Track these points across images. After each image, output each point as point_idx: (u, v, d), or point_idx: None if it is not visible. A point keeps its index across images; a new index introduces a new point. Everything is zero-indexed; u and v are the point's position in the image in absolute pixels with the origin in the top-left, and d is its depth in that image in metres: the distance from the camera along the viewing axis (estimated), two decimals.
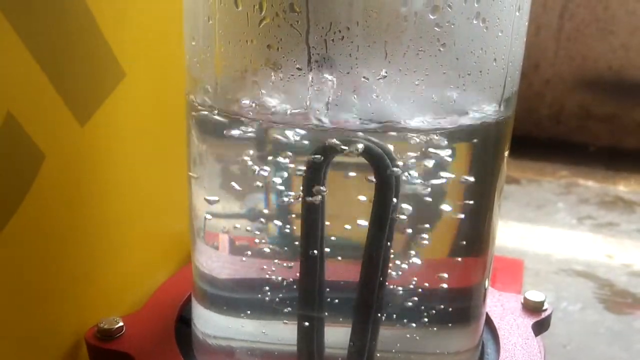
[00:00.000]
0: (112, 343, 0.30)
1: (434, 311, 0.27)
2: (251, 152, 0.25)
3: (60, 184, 0.28)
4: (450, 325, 0.28)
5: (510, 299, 0.35)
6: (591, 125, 1.07)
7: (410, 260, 0.26)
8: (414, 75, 0.22)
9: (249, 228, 0.27)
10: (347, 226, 0.26)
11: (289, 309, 0.27)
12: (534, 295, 0.34)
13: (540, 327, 0.34)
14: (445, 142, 0.24)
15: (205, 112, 0.26)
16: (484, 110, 0.25)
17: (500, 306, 0.34)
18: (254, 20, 0.22)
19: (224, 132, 0.26)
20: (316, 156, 0.24)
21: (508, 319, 0.33)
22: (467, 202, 0.26)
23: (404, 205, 0.25)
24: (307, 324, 0.26)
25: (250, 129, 0.25)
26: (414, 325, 0.27)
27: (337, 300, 0.26)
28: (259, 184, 0.26)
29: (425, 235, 0.26)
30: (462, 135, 0.25)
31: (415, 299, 0.27)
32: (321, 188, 0.24)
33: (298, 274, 0.26)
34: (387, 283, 0.26)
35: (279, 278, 0.27)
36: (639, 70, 1.03)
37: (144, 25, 0.32)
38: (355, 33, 0.22)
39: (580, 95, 1.07)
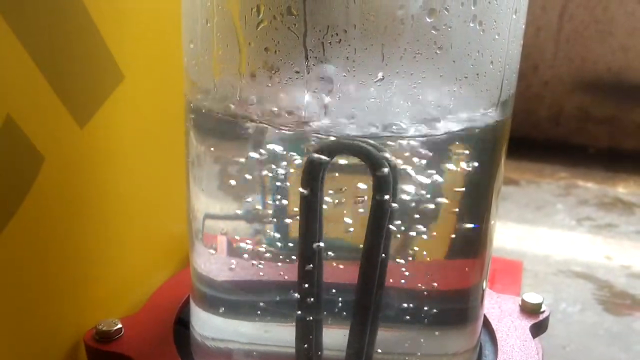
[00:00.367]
0: (110, 345, 0.30)
1: (431, 312, 0.27)
2: (249, 154, 0.26)
3: (60, 186, 0.28)
4: (448, 326, 0.29)
5: (508, 301, 0.35)
6: (590, 127, 1.07)
7: (408, 262, 0.26)
8: (410, 78, 0.23)
9: (247, 230, 0.27)
10: (345, 228, 0.26)
11: (287, 310, 0.27)
12: (532, 297, 0.34)
13: (538, 329, 0.34)
14: (442, 145, 0.24)
15: (204, 114, 0.26)
16: (481, 112, 0.25)
17: (498, 308, 0.34)
18: (252, 23, 0.23)
19: (222, 134, 0.26)
20: (314, 157, 0.24)
21: (506, 321, 0.33)
22: (464, 203, 0.27)
23: (402, 207, 0.25)
24: (305, 325, 0.26)
25: (248, 131, 0.25)
26: (411, 326, 0.27)
27: (335, 302, 0.26)
28: (257, 185, 0.26)
29: (423, 237, 0.26)
30: (459, 138, 0.25)
31: (413, 300, 0.27)
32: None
33: (296, 276, 0.26)
34: (385, 285, 0.26)
35: (277, 280, 0.27)
36: (638, 71, 1.03)
37: (142, 28, 0.33)
38: (352, 36, 0.22)
39: (579, 97, 1.07)
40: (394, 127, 0.24)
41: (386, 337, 0.27)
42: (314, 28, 0.22)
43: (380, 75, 0.22)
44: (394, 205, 0.24)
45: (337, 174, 0.25)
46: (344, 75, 0.22)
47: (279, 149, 0.25)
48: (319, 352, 0.26)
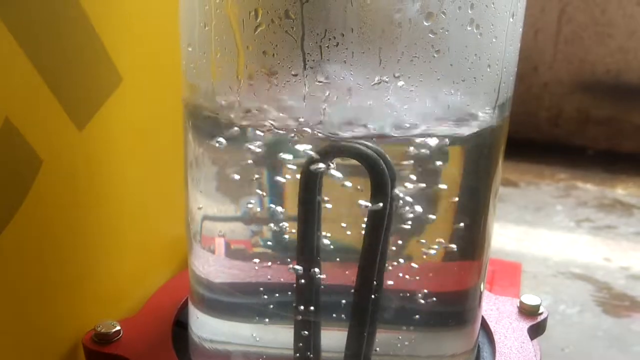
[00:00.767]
0: (109, 347, 0.30)
1: (429, 314, 0.27)
2: (247, 156, 0.26)
3: (58, 188, 0.28)
4: (446, 328, 0.29)
5: (506, 303, 0.35)
6: (589, 128, 1.07)
7: (406, 264, 0.26)
8: (408, 81, 0.23)
9: (245, 232, 0.27)
10: (343, 230, 0.26)
11: (285, 312, 0.27)
12: (530, 299, 0.34)
13: (536, 331, 0.34)
14: (440, 148, 0.24)
15: (202, 117, 0.26)
16: (478, 116, 0.25)
17: (496, 310, 0.34)
18: (250, 26, 0.23)
19: (220, 137, 0.26)
20: (313, 159, 0.24)
21: (504, 323, 0.33)
22: (462, 206, 0.27)
23: (399, 209, 0.25)
24: (303, 328, 0.26)
25: (246, 134, 0.25)
26: (409, 328, 0.27)
27: (333, 304, 0.26)
28: (255, 188, 0.26)
29: (421, 239, 0.26)
30: (457, 141, 0.25)
31: (411, 302, 0.27)
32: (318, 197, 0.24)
33: (294, 278, 0.26)
34: (383, 287, 0.26)
35: (275, 282, 0.27)
36: (637, 73, 1.03)
37: (140, 30, 0.33)
38: (349, 39, 0.22)
39: (578, 99, 1.07)
40: (391, 129, 0.24)
41: (384, 339, 0.27)
42: (312, 32, 0.22)
43: (377, 78, 0.22)
44: (392, 207, 0.24)
45: (335, 176, 0.25)
46: (342, 79, 0.22)
47: (277, 151, 0.25)
48: (317, 354, 0.27)
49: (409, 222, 0.25)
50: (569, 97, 1.07)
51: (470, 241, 0.28)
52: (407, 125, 0.24)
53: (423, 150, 0.24)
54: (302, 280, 0.25)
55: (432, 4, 0.22)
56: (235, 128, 0.25)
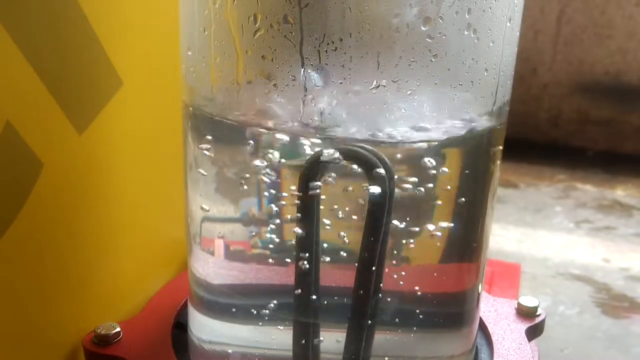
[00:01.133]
0: (109, 348, 0.30)
1: (427, 316, 0.27)
2: (246, 158, 0.26)
3: (59, 191, 0.28)
4: (444, 329, 0.29)
5: (504, 304, 0.35)
6: (589, 130, 1.08)
7: (404, 265, 0.27)
8: (406, 86, 0.23)
9: (244, 234, 0.27)
10: (342, 232, 0.26)
11: (284, 314, 0.27)
12: (528, 301, 0.35)
13: (534, 332, 0.34)
14: (438, 151, 0.25)
15: (201, 120, 0.27)
16: (476, 119, 0.25)
17: (495, 311, 0.35)
18: (249, 31, 0.23)
19: (220, 139, 0.26)
20: (312, 162, 0.24)
21: (502, 324, 0.33)
22: (460, 208, 0.27)
23: (398, 211, 0.25)
24: (302, 329, 0.26)
25: (245, 137, 0.25)
26: (408, 329, 0.27)
27: (332, 306, 0.27)
28: (254, 190, 0.26)
29: (419, 241, 0.26)
30: (454, 144, 0.25)
31: (409, 303, 0.27)
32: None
33: (293, 280, 0.26)
34: (381, 288, 0.26)
35: (274, 283, 0.27)
36: (637, 74, 1.03)
37: (141, 34, 0.33)
38: (348, 44, 0.22)
39: (578, 100, 1.07)
40: (389, 133, 0.24)
41: (383, 340, 0.27)
42: (310, 36, 0.22)
43: (375, 82, 0.23)
44: (390, 210, 0.25)
45: (334, 179, 0.25)
46: (340, 83, 0.23)
47: (275, 154, 0.25)
48: (316, 356, 0.27)
49: (407, 224, 0.25)
50: (568, 98, 1.08)
51: (468, 243, 0.28)
52: (405, 128, 0.24)
53: (421, 153, 0.24)
54: (301, 282, 0.26)
55: (429, 9, 0.22)
56: (234, 131, 0.25)
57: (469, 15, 0.23)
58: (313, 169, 0.24)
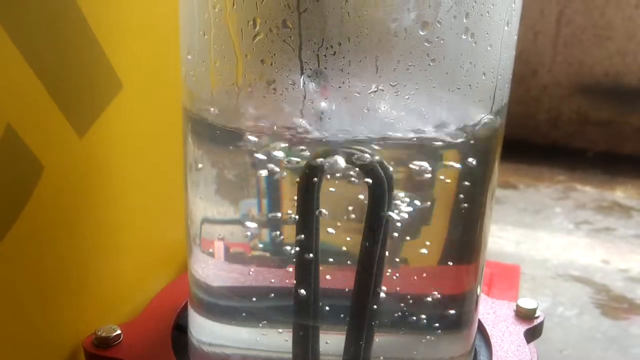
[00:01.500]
0: (109, 350, 0.30)
1: (426, 318, 0.28)
2: (246, 162, 0.26)
3: (59, 194, 0.28)
4: (443, 331, 0.29)
5: (503, 306, 0.35)
6: (588, 131, 1.08)
7: (403, 268, 0.27)
8: (404, 89, 0.23)
9: (244, 236, 0.27)
10: (341, 234, 0.26)
11: (284, 316, 0.27)
12: (527, 303, 0.35)
13: (533, 334, 0.34)
14: (436, 153, 0.25)
15: (201, 123, 0.27)
16: (474, 122, 0.25)
17: (493, 313, 0.35)
18: (248, 35, 0.23)
19: (219, 142, 0.26)
20: (310, 165, 0.24)
21: (500, 326, 0.34)
22: (458, 210, 0.27)
23: (396, 214, 0.25)
24: (302, 331, 0.26)
25: (244, 140, 0.25)
26: (407, 332, 0.28)
27: (331, 308, 0.27)
28: (253, 192, 0.26)
29: (417, 243, 0.26)
30: (453, 147, 0.25)
31: (408, 305, 0.27)
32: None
33: (292, 282, 0.26)
34: (380, 291, 0.26)
35: (274, 285, 0.27)
36: (636, 76, 1.03)
37: (141, 37, 0.33)
38: (346, 48, 0.22)
39: (577, 101, 1.07)
40: (388, 136, 0.24)
41: (382, 343, 0.27)
42: (309, 41, 0.22)
43: (374, 86, 0.23)
44: (389, 212, 0.25)
45: (333, 181, 0.25)
46: (339, 87, 0.23)
47: (275, 157, 0.25)
48: (316, 358, 0.27)
49: (406, 227, 0.26)
50: (568, 100, 1.08)
51: (467, 245, 0.28)
52: (404, 132, 0.24)
53: (419, 156, 0.25)
54: (300, 284, 0.26)
55: (427, 13, 0.22)
56: (234, 134, 0.25)
57: (467, 20, 0.23)
58: (312, 172, 0.24)
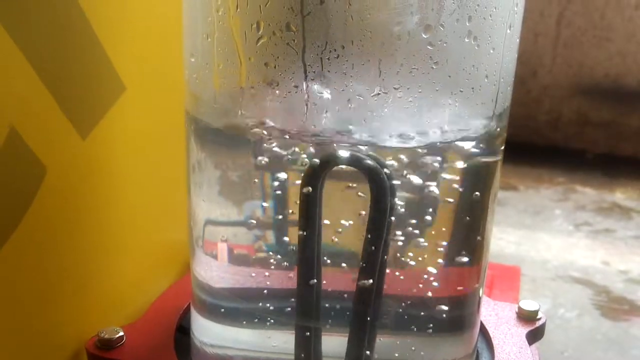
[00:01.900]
0: (112, 352, 0.30)
1: (429, 319, 0.28)
2: (249, 164, 0.26)
3: (62, 196, 0.29)
4: (445, 333, 0.29)
5: (504, 308, 0.35)
6: (589, 132, 1.08)
7: (406, 269, 0.27)
8: (407, 92, 0.23)
9: (247, 237, 0.28)
10: (344, 236, 0.26)
11: (287, 318, 0.27)
12: (529, 305, 0.35)
13: (535, 336, 0.34)
14: (439, 157, 0.25)
15: (204, 126, 0.27)
16: (477, 125, 0.25)
17: (495, 315, 0.35)
18: (252, 38, 0.23)
19: (222, 144, 0.26)
20: (314, 167, 0.24)
21: (503, 328, 0.34)
22: (461, 213, 0.27)
23: (399, 216, 0.25)
24: (304, 333, 0.26)
25: (247, 143, 0.25)
26: (409, 333, 0.28)
27: (334, 310, 0.27)
28: (256, 194, 0.26)
29: (420, 245, 0.26)
30: (455, 149, 0.25)
31: (411, 307, 0.27)
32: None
33: (295, 283, 0.26)
34: (383, 292, 0.26)
35: (277, 287, 0.27)
36: (636, 77, 1.03)
37: (144, 40, 0.33)
38: (350, 52, 0.22)
39: (577, 102, 1.07)
40: (391, 139, 0.24)
41: (384, 344, 0.27)
42: (313, 44, 0.22)
43: (377, 89, 0.23)
44: (391, 215, 0.25)
45: (335, 184, 0.25)
46: (342, 90, 0.23)
47: (278, 160, 0.25)
48: (318, 359, 0.27)
49: (409, 229, 0.26)
50: (568, 101, 1.08)
51: (470, 247, 0.28)
52: (407, 134, 0.24)
53: (422, 159, 0.25)
54: (303, 286, 0.26)
55: (430, 16, 0.22)
56: (237, 136, 0.25)
57: (470, 23, 0.23)
58: (314, 174, 0.24)
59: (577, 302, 0.62)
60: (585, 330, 0.57)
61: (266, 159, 0.25)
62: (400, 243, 0.26)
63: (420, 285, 0.27)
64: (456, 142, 0.25)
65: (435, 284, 0.27)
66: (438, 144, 0.25)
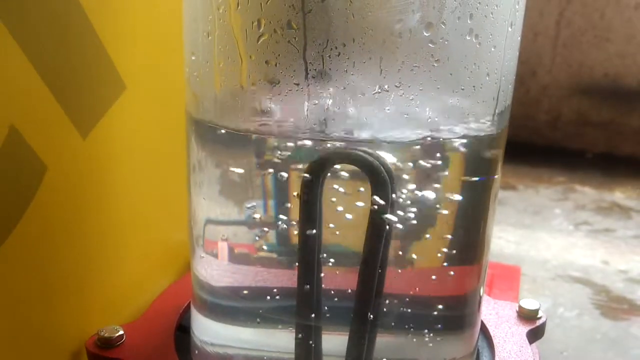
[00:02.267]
0: (112, 351, 0.30)
1: (429, 319, 0.28)
2: (249, 163, 0.26)
3: (62, 194, 0.29)
4: (446, 332, 0.29)
5: (505, 307, 0.35)
6: (588, 132, 1.08)
7: (406, 269, 0.27)
8: (408, 90, 0.23)
9: (247, 236, 0.28)
10: (344, 235, 0.26)
11: (287, 317, 0.27)
12: (529, 304, 0.35)
13: (535, 335, 0.34)
14: (440, 154, 0.25)
15: (205, 125, 0.27)
16: (478, 123, 0.25)
17: (496, 314, 0.35)
18: (253, 36, 0.23)
19: (223, 143, 0.26)
20: (314, 165, 0.24)
21: (503, 327, 0.34)
22: (461, 211, 0.27)
23: (400, 215, 0.25)
24: (304, 332, 0.26)
25: (248, 141, 0.25)
26: (410, 332, 0.28)
27: (334, 309, 0.27)
28: (257, 193, 0.26)
29: (421, 244, 0.26)
30: (456, 148, 0.25)
31: (412, 306, 0.27)
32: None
33: (296, 282, 0.26)
34: (383, 292, 0.26)
35: (277, 286, 0.27)
36: (635, 77, 1.03)
37: (144, 39, 0.33)
38: (351, 49, 0.22)
39: (577, 102, 1.08)
40: (392, 137, 0.24)
41: (385, 343, 0.27)
42: (314, 42, 0.22)
43: (378, 87, 0.23)
44: (392, 213, 0.25)
45: (336, 182, 0.25)
46: (344, 88, 0.23)
47: (278, 158, 0.25)
48: (319, 359, 0.27)
49: (409, 227, 0.26)
50: (567, 101, 1.08)
51: (470, 246, 0.28)
52: (407, 132, 0.24)
53: (423, 157, 0.25)
54: (303, 285, 0.26)
55: (431, 14, 0.22)
56: (238, 135, 0.25)
57: (471, 21, 0.23)
58: (315, 172, 0.24)
59: (577, 301, 0.62)
60: (584, 330, 0.57)
61: (267, 158, 0.25)
62: (400, 242, 0.26)
63: (421, 284, 0.27)
64: (457, 141, 0.25)
65: (436, 282, 0.27)
66: (439, 142, 0.25)
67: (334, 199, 0.25)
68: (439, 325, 0.28)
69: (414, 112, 0.24)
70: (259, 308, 0.28)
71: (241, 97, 0.24)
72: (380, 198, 0.24)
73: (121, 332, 0.31)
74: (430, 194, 0.25)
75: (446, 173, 0.25)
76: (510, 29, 0.25)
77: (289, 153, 0.25)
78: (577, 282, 0.66)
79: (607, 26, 1.02)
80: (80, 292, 0.31)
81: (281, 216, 0.27)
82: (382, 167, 0.24)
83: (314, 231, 0.25)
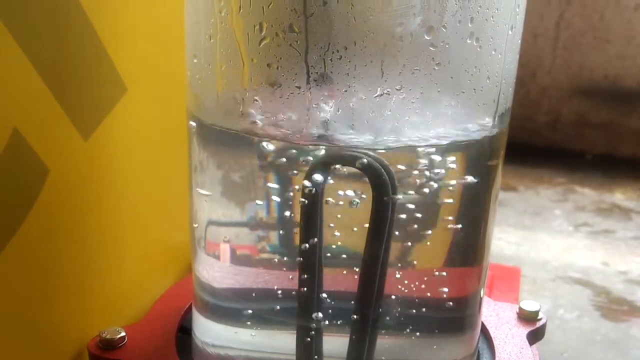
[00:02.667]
0: (114, 352, 0.30)
1: (430, 320, 0.28)
2: (251, 165, 0.26)
3: (64, 196, 0.29)
4: (446, 334, 0.29)
5: (505, 309, 0.35)
6: (588, 133, 1.08)
7: (407, 270, 0.27)
8: (409, 93, 0.23)
9: (249, 238, 0.28)
10: (345, 236, 0.26)
11: (288, 318, 0.27)
12: (529, 305, 0.35)
13: (535, 337, 0.34)
14: (440, 157, 0.25)
15: (206, 127, 0.27)
16: (478, 126, 0.26)
17: (496, 316, 0.35)
18: (255, 39, 0.23)
19: (225, 145, 0.27)
20: (315, 167, 0.24)
21: (503, 328, 0.34)
22: (462, 213, 0.27)
23: (401, 216, 0.25)
24: (305, 333, 0.26)
25: (249, 144, 0.25)
26: (410, 334, 0.28)
27: (335, 310, 0.27)
28: (258, 195, 0.26)
29: (422, 246, 0.26)
30: (457, 150, 0.25)
31: (412, 308, 0.27)
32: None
33: (297, 284, 0.26)
34: (384, 293, 0.26)
35: (278, 288, 0.27)
36: (635, 78, 1.04)
37: (146, 41, 0.33)
38: (352, 53, 0.22)
39: (577, 103, 1.08)
40: (393, 140, 0.24)
41: (385, 345, 0.27)
42: (316, 45, 0.22)
43: (379, 90, 0.23)
44: (393, 217, 0.25)
45: (337, 184, 0.25)
46: (345, 91, 0.23)
47: (280, 160, 0.25)
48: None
49: (410, 229, 0.26)
50: (567, 102, 1.08)
51: (471, 248, 0.28)
52: (409, 135, 0.24)
53: (424, 160, 0.25)
54: (305, 287, 0.26)
55: (432, 18, 0.22)
56: (239, 138, 0.25)
57: (472, 24, 0.23)
58: (316, 174, 0.24)
59: (577, 303, 0.62)
60: (585, 331, 0.57)
61: (268, 160, 0.25)
62: (401, 244, 0.26)
63: (422, 286, 0.27)
64: (457, 143, 0.25)
65: (436, 284, 0.28)
66: (440, 144, 0.25)
67: (335, 201, 0.25)
68: (440, 327, 0.28)
69: (415, 114, 0.24)
70: (260, 310, 0.28)
71: (242, 99, 0.25)
72: (381, 199, 0.24)
73: (123, 334, 0.31)
74: (430, 196, 0.25)
75: (447, 174, 0.26)
76: (510, 32, 0.25)
77: (291, 155, 0.25)
78: (577, 284, 0.66)
79: (607, 28, 1.02)
80: (82, 293, 0.31)
81: (282, 218, 0.27)
82: (382, 170, 0.24)
83: (316, 233, 0.25)
